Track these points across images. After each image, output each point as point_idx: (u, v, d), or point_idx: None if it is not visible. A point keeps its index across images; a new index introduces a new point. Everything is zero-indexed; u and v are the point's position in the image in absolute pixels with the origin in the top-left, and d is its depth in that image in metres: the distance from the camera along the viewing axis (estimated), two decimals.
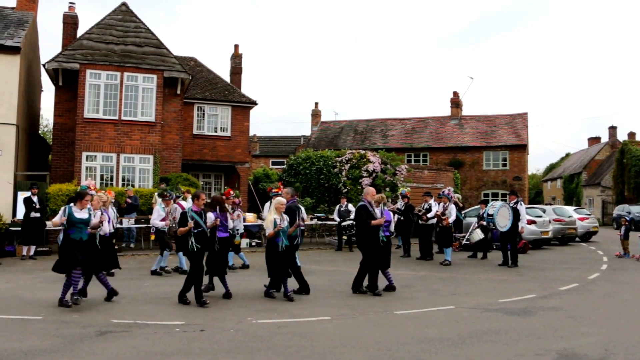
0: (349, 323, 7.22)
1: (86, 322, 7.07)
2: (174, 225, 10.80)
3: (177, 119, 20.89)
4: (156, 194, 13.03)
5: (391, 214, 11.54)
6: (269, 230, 8.68)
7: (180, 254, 11.30)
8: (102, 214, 8.70)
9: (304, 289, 9.25)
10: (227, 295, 8.84)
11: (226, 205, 10.59)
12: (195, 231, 8.22)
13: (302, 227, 9.92)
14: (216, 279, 9.16)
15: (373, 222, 9.14)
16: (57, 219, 8.20)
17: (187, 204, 11.63)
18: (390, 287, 9.60)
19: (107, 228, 9.11)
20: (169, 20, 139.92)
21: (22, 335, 6.39)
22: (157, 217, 11.66)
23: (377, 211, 9.44)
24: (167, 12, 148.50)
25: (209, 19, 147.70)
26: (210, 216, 8.69)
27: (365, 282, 9.34)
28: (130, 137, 19.07)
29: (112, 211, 10.29)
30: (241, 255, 12.51)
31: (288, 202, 9.18)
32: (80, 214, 8.07)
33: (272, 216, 8.73)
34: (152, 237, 12.56)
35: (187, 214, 8.34)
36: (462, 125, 36.37)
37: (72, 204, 8.15)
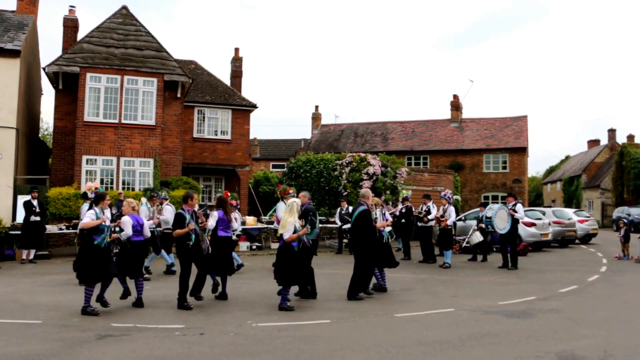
0: (349, 326, 7.22)
1: (86, 326, 7.07)
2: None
3: (178, 122, 20.91)
4: (142, 197, 13.18)
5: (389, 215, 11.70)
6: (289, 233, 8.15)
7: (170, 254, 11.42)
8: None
9: (313, 293, 9.14)
10: (223, 296, 8.97)
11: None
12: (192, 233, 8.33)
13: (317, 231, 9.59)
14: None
15: (378, 224, 9.71)
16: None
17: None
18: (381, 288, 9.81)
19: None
20: (166, 22, 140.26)
21: (21, 340, 6.39)
22: (145, 216, 11.97)
23: (378, 213, 10.04)
24: (164, 15, 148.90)
25: (208, 22, 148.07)
26: (215, 214, 8.91)
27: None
28: (130, 141, 19.08)
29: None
30: (234, 254, 11.73)
31: (305, 205, 9.00)
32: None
33: (291, 218, 8.20)
34: None
35: (183, 214, 8.36)
36: (462, 128, 36.41)
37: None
